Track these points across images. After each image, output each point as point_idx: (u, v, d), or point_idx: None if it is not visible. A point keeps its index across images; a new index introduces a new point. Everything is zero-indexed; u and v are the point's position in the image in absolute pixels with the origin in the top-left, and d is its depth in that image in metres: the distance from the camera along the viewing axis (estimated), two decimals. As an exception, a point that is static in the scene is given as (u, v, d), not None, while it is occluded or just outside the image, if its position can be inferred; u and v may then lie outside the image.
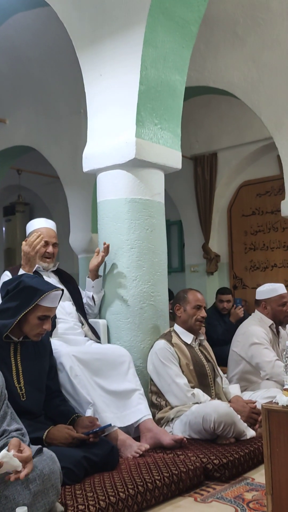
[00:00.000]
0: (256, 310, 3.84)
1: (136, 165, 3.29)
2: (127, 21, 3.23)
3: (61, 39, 5.02)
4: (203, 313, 3.23)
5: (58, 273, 3.35)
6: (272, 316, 3.74)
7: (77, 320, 3.23)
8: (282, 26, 4.74)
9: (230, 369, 3.72)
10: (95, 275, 3.38)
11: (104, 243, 3.35)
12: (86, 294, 3.41)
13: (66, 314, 3.17)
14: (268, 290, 3.78)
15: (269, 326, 3.72)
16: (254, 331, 3.65)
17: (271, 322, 3.73)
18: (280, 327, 3.80)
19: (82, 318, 3.26)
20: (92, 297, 3.37)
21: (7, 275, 3.11)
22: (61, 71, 5.89)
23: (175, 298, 3.38)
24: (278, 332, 3.79)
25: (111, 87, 3.36)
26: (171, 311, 3.61)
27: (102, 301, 3.43)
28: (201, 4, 3.40)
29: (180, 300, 3.28)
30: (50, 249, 3.23)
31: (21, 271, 3.00)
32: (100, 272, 3.43)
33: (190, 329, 3.22)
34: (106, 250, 3.35)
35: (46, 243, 3.19)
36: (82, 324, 3.23)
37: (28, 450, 1.69)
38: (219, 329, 5.37)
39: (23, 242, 3.05)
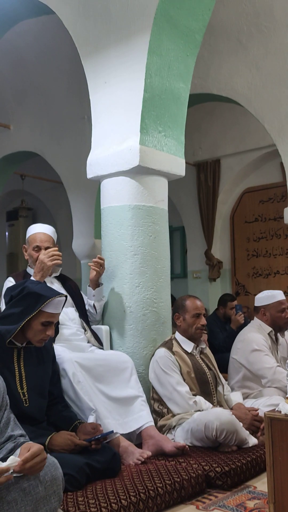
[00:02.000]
0: (255, 317, 3.83)
1: (140, 172, 3.30)
2: (132, 29, 3.25)
3: (66, 46, 5.05)
4: (203, 321, 3.20)
5: (61, 278, 3.35)
6: (271, 323, 3.72)
7: (80, 326, 3.23)
8: (285, 34, 4.76)
9: (231, 377, 3.71)
10: (95, 284, 3.37)
11: (94, 260, 3.33)
12: (88, 302, 3.41)
13: (69, 320, 3.18)
14: (267, 296, 3.77)
15: (268, 333, 3.71)
16: (253, 338, 3.64)
17: (270, 329, 3.72)
18: (279, 334, 3.80)
19: (85, 324, 3.26)
20: (94, 305, 3.38)
21: (10, 281, 3.12)
22: (65, 78, 5.93)
23: (174, 306, 3.37)
24: (277, 339, 3.79)
25: (116, 94, 3.38)
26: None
27: (105, 307, 3.44)
28: (205, 12, 3.42)
29: (179, 309, 3.26)
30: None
31: (32, 278, 3.00)
32: (103, 279, 3.43)
33: (191, 338, 3.21)
34: (100, 263, 3.32)
35: (38, 248, 3.16)
36: (85, 330, 3.23)
37: (34, 446, 1.69)
38: (220, 336, 5.37)
39: (40, 250, 3.08)
